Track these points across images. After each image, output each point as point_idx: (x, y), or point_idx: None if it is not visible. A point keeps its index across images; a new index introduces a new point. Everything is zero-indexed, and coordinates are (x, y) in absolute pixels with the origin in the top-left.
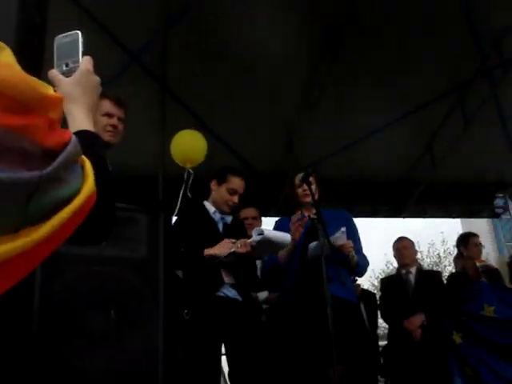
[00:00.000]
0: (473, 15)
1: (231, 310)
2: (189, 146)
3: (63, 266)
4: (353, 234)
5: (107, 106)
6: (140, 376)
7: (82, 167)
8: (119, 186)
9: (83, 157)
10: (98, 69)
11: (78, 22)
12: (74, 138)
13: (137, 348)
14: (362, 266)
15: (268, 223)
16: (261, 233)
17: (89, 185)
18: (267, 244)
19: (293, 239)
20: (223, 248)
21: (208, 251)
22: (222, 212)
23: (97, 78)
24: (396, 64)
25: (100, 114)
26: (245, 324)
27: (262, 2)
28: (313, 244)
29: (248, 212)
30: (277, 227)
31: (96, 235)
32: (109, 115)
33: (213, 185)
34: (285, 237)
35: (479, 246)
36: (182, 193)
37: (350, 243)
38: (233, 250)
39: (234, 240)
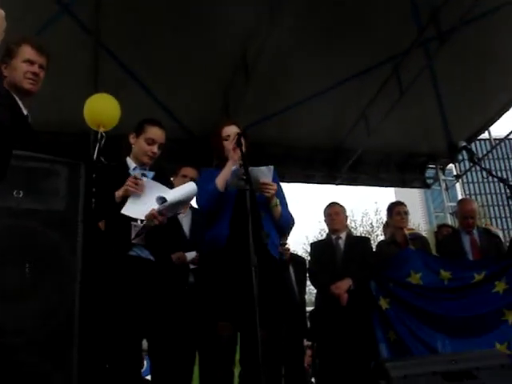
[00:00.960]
0: None
1: (142, 269)
2: (100, 110)
3: None
4: (278, 189)
5: (28, 52)
6: (55, 330)
7: None
8: (44, 139)
9: None
10: (26, 18)
11: None
12: None
13: (51, 303)
14: (286, 219)
15: None
16: (163, 200)
17: None
18: (175, 204)
19: (233, 159)
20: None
21: (117, 193)
22: (143, 165)
23: (1, 12)
24: (334, 30)
25: (21, 61)
26: (157, 284)
27: None
28: (233, 169)
29: (188, 171)
30: (202, 176)
31: None
32: (30, 62)
33: (131, 138)
34: (189, 190)
35: (402, 214)
36: (95, 154)
37: (274, 185)
38: (143, 224)
39: (139, 176)
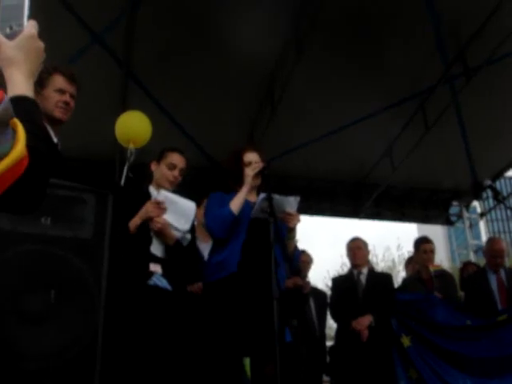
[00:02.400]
0: (440, 23)
1: (160, 299)
2: (132, 126)
3: (3, 243)
4: None
5: (60, 81)
6: (76, 358)
7: (14, 131)
8: (72, 166)
9: (16, 121)
10: (59, 47)
11: None
12: (6, 99)
13: (74, 330)
14: (298, 253)
15: None
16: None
17: (18, 149)
18: (171, 206)
19: (249, 185)
20: (145, 212)
21: (133, 221)
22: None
23: (40, 44)
24: (359, 66)
25: (52, 90)
26: (172, 314)
27: None
28: (260, 198)
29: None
30: (212, 200)
31: (24, 204)
32: (61, 91)
33: (153, 165)
34: (189, 203)
35: (429, 252)
36: (125, 172)
37: (299, 216)
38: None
39: (158, 201)
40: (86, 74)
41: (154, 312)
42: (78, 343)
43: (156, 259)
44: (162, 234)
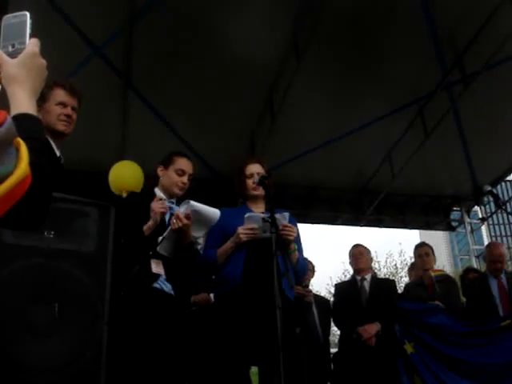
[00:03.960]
0: (437, 30)
1: (165, 304)
2: (125, 176)
3: (7, 257)
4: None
5: (61, 95)
6: (80, 371)
7: (17, 150)
8: (75, 179)
9: (19, 140)
10: (59, 60)
11: (41, 11)
12: (9, 119)
13: (79, 342)
14: (302, 265)
15: None
16: (186, 204)
17: (21, 168)
18: (196, 217)
19: (237, 239)
20: (155, 213)
21: (146, 226)
22: (172, 197)
23: (43, 61)
24: (358, 74)
25: (54, 103)
26: (177, 321)
27: (229, 1)
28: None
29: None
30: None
31: (28, 220)
32: (63, 104)
33: (159, 170)
34: (214, 212)
35: (423, 256)
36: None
37: (295, 228)
38: (169, 229)
39: (162, 201)
40: (87, 87)
41: (160, 317)
42: (82, 356)
43: (159, 257)
44: (181, 232)
